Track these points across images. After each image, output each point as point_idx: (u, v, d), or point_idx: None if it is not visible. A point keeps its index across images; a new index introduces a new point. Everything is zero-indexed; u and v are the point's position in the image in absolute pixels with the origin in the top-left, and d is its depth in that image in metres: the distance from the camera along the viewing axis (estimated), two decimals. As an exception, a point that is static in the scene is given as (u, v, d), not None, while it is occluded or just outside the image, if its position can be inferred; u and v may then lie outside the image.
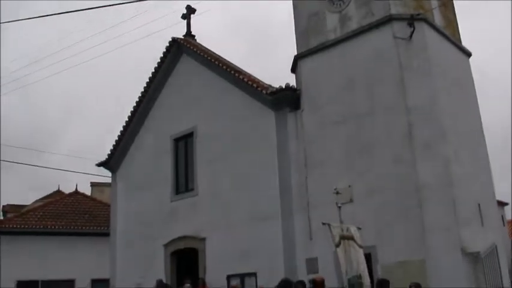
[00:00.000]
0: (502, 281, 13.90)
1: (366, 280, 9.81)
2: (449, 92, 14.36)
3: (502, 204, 31.54)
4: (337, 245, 9.50)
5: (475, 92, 16.49)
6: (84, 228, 29.97)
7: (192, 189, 18.42)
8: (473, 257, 12.56)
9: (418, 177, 13.13)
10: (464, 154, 14.12)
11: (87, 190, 36.99)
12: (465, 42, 16.66)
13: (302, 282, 10.14)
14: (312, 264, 14.24)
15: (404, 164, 13.37)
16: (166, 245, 18.70)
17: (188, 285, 15.60)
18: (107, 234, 23.20)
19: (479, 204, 14.29)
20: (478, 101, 16.49)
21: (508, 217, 35.55)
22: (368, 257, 11.96)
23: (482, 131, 16.30)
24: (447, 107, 13.97)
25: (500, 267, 14.09)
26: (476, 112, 16.28)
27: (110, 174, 22.64)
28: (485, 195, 15.04)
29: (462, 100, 15.28)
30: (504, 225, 30.37)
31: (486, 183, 15.61)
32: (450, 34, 15.77)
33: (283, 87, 15.77)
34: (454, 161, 13.47)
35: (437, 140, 13.39)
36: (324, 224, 9.62)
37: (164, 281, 18.01)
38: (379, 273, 12.78)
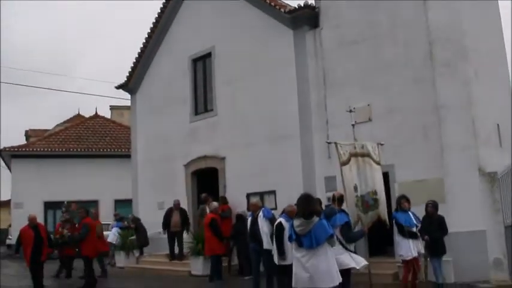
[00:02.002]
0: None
1: (382, 196, 9.94)
2: (471, 11, 13.99)
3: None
4: (344, 163, 9.55)
5: (499, 10, 16.08)
6: (105, 150, 30.58)
7: (211, 110, 18.56)
8: (490, 177, 12.61)
9: (438, 97, 13.06)
10: (485, 74, 13.89)
11: (106, 114, 37.48)
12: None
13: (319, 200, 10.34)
14: (330, 182, 14.42)
15: (424, 83, 13.29)
16: (186, 165, 19.05)
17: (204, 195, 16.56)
18: (128, 156, 23.64)
19: (498, 125, 14.24)
20: (501, 20, 16.11)
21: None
22: (385, 176, 12.10)
23: (504, 51, 16.01)
24: (469, 26, 13.62)
25: (516, 187, 14.21)
26: (499, 31, 15.94)
27: (129, 97, 22.82)
28: (504, 116, 14.95)
29: (485, 19, 14.92)
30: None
31: (506, 104, 15.50)
32: None
33: (302, 5, 15.52)
34: (474, 81, 13.28)
35: (457, 59, 13.16)
36: (329, 143, 9.67)
37: (186, 200, 18.57)
38: (397, 191, 12.95)
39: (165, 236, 17.67)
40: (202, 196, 17.88)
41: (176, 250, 17.47)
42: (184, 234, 17.41)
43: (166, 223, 17.49)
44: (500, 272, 12.13)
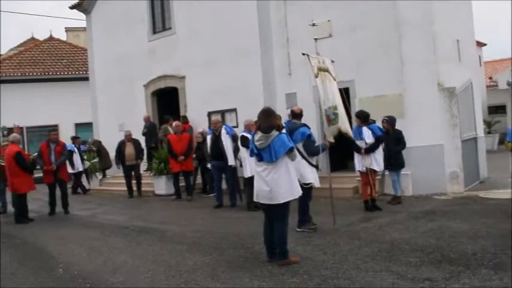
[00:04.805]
0: (474, 115, 14.50)
1: (341, 111, 9.93)
2: None
3: (480, 44, 31.61)
4: (316, 76, 9.50)
5: None
6: (62, 73, 29.79)
7: (170, 28, 18.12)
8: (449, 92, 12.79)
9: (399, 13, 12.97)
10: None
11: (62, 36, 36.30)
12: None
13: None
14: (291, 98, 14.45)
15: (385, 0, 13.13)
16: (146, 85, 18.81)
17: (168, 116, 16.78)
18: (86, 79, 23.14)
19: (457, 41, 14.32)
20: None
21: (485, 58, 35.78)
22: (346, 91, 12.10)
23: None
24: None
25: (473, 103, 14.49)
26: None
27: (84, 17, 22.08)
28: (464, 32, 15.02)
29: None
30: (481, 65, 30.62)
31: (466, 21, 15.56)
32: None
33: None
34: (435, -2, 13.22)
35: (419, -25, 12.99)
36: (303, 54, 9.57)
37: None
38: (357, 107, 13.01)
39: (121, 170, 16.81)
40: (144, 117, 17.80)
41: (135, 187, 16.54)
42: (142, 167, 16.90)
43: (120, 157, 16.46)
44: (456, 184, 12.57)
